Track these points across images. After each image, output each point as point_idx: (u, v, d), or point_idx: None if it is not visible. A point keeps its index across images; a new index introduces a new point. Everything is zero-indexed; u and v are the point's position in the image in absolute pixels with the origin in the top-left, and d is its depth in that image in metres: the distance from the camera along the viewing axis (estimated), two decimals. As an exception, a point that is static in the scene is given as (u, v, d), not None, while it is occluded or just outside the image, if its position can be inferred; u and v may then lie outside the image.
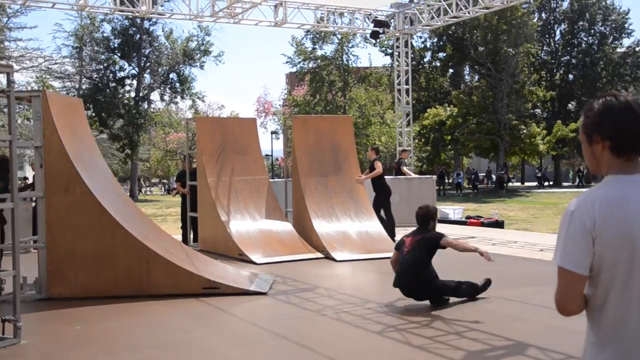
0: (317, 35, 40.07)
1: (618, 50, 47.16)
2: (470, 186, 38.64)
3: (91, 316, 6.75)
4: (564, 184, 45.65)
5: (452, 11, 15.76)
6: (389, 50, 40.20)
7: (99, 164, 8.71)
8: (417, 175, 15.94)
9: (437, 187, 15.21)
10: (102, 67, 42.40)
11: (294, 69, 43.22)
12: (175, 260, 7.46)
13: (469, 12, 15.89)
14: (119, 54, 42.34)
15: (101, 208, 7.46)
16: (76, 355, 5.37)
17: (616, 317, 2.02)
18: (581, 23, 46.65)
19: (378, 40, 26.87)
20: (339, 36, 39.72)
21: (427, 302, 6.83)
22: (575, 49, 46.85)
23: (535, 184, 44.14)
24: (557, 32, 47.73)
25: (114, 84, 42.65)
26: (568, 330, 5.65)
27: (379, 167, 11.76)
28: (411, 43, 19.07)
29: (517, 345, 5.27)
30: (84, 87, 42.18)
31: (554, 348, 5.09)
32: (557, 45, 47.29)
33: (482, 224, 14.60)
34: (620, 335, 2.02)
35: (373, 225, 11.17)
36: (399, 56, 18.10)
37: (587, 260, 2.01)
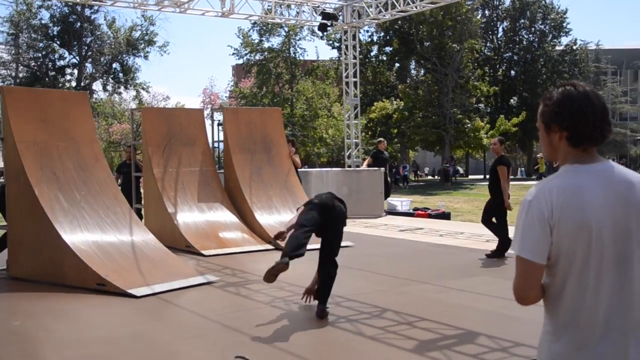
0: (264, 27, 39.76)
1: (557, 48, 48.65)
2: (416, 178, 39.23)
3: (32, 311, 6.51)
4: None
5: (399, 5, 15.86)
6: (336, 44, 40.28)
7: (84, 156, 8.67)
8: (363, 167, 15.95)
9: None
10: (40, 55, 40.98)
11: (241, 61, 42.78)
12: (85, 255, 7.32)
13: (416, 7, 16.04)
14: (58, 42, 41.00)
15: (34, 199, 7.78)
16: (15, 351, 5.15)
17: (572, 305, 2.04)
18: (522, 21, 47.91)
19: (325, 33, 26.90)
20: (286, 29, 39.54)
21: (376, 292, 6.87)
22: (517, 46, 48.08)
23: (480, 177, 45.09)
24: (500, 29, 48.87)
25: (53, 73, 41.30)
26: (515, 318, 5.78)
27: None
28: (358, 37, 19.11)
29: (467, 333, 5.34)
30: (21, 75, 40.69)
31: (502, 336, 5.18)
32: (499, 42, 48.42)
33: (430, 216, 14.81)
34: (576, 322, 2.04)
35: None
36: (346, 49, 18.13)
37: (545, 248, 2.02)
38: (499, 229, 9.01)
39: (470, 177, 49.58)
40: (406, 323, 5.65)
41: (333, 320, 5.77)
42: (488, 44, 47.71)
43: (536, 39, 47.77)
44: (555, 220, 2.00)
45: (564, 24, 48.35)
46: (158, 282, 7.21)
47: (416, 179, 45.37)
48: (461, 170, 51.39)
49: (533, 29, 47.97)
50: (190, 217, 10.54)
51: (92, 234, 7.89)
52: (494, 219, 9.06)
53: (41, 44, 40.64)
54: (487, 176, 9.67)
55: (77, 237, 7.68)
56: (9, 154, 8.19)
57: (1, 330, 5.79)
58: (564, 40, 48.68)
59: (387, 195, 15.52)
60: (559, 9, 48.31)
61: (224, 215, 10.83)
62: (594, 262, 2.01)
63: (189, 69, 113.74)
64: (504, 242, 8.83)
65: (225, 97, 48.05)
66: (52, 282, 7.54)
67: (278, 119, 12.73)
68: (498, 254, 8.90)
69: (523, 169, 47.67)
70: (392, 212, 15.37)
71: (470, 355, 4.75)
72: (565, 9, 48.18)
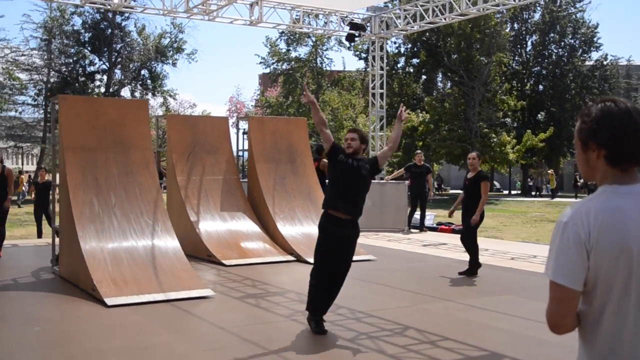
0: (292, 37, 39.94)
1: (587, 63, 48.00)
2: (440, 192, 38.90)
3: (52, 317, 6.50)
4: (532, 193, 46.16)
5: (428, 17, 15.75)
6: (363, 55, 40.24)
7: (133, 162, 8.93)
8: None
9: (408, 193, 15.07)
10: (71, 60, 41.53)
11: (268, 70, 43.01)
12: (92, 260, 7.55)
13: (445, 19, 15.91)
14: (89, 48, 41.54)
15: (68, 203, 8.17)
16: (35, 358, 5.13)
17: (611, 335, 1.92)
18: (552, 35, 47.35)
19: (353, 43, 26.86)
20: (314, 39, 39.65)
21: (398, 309, 6.73)
22: (546, 60, 47.53)
23: (505, 192, 44.54)
24: (529, 43, 48.36)
25: (83, 79, 41.82)
26: (541, 341, 5.60)
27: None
28: (386, 48, 19.02)
29: (492, 355, 5.18)
30: (52, 80, 41.27)
31: (527, 358, 5.02)
32: (528, 56, 47.92)
33: (453, 231, 14.58)
34: (615, 354, 1.92)
35: None
36: (373, 60, 18.05)
37: (582, 274, 1.90)
38: (476, 248, 8.90)
39: (495, 192, 49.06)
40: (428, 342, 5.51)
41: (353, 337, 5.65)
42: (516, 58, 47.23)
43: (566, 54, 47.17)
44: (593, 243, 1.88)
45: (595, 39, 47.68)
46: (151, 292, 7.20)
47: (440, 192, 45.03)
48: (498, 185, 51.06)
49: (563, 43, 47.39)
50: (212, 226, 10.50)
51: (112, 239, 7.99)
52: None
53: (72, 50, 41.21)
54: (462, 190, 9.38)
55: (94, 242, 7.83)
56: (60, 160, 8.83)
57: (21, 336, 5.77)
58: (594, 55, 48.00)
59: (422, 210, 15.06)
60: (589, 23, 47.66)
61: (246, 224, 10.76)
62: (635, 288, 1.89)
63: (215, 77, 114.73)
64: (477, 262, 8.84)
65: (252, 105, 48.31)
66: (76, 285, 7.85)
67: (304, 129, 12.65)
68: (471, 272, 8.82)
69: (548, 185, 47.08)
70: (416, 226, 15.19)
71: (495, 379, 4.61)
72: (596, 23, 47.57)
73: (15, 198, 27.75)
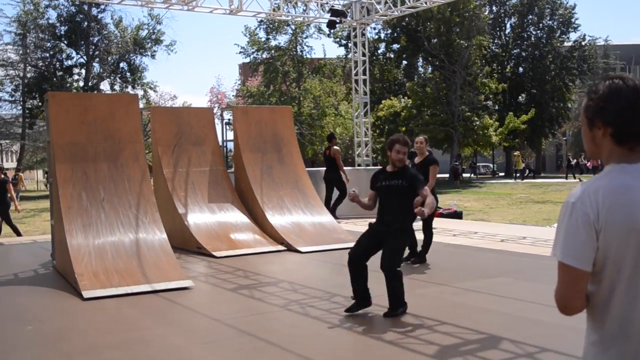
0: (271, 26, 39.64)
1: (565, 44, 48.29)
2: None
3: (44, 315, 6.41)
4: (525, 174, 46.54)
5: (409, 1, 15.69)
6: (343, 42, 40.14)
7: (123, 156, 9.02)
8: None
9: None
10: (48, 55, 40.93)
11: (248, 60, 42.67)
12: (77, 253, 7.67)
13: (425, 3, 15.87)
14: (65, 42, 40.94)
15: (57, 197, 8.33)
16: (27, 356, 5.04)
17: (621, 314, 1.89)
18: (530, 17, 47.57)
19: (333, 30, 26.72)
20: (293, 27, 39.40)
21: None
22: (525, 42, 47.76)
23: (489, 175, 44.84)
24: (508, 26, 48.55)
25: (61, 73, 41.25)
26: (539, 322, 5.62)
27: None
28: (366, 34, 18.92)
29: (490, 338, 5.17)
30: (29, 75, 40.68)
31: (525, 340, 5.01)
32: (507, 38, 48.11)
33: (441, 215, 14.59)
34: (626, 333, 1.89)
35: (324, 216, 11.17)
36: (355, 46, 17.96)
37: (591, 254, 1.87)
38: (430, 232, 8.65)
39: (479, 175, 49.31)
40: (426, 327, 5.49)
41: (350, 325, 5.62)
42: (496, 41, 47.41)
43: (544, 35, 47.42)
44: (602, 223, 1.85)
45: (573, 20, 48.00)
46: (132, 284, 7.27)
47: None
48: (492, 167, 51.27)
49: (541, 25, 47.63)
50: (201, 217, 10.41)
51: (99, 233, 8.09)
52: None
53: (49, 44, 40.61)
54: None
55: (81, 235, 7.94)
56: (49, 156, 9.11)
57: (13, 335, 5.67)
58: (573, 36, 48.35)
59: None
60: (567, 4, 47.99)
61: (235, 215, 10.69)
62: None
63: (195, 68, 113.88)
64: (428, 245, 8.59)
65: (233, 95, 48.02)
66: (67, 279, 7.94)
67: (288, 117, 12.60)
68: (422, 259, 8.56)
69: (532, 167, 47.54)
70: None
71: (494, 361, 4.60)
72: (574, 4, 47.96)
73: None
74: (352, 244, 10.02)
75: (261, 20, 38.29)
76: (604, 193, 1.87)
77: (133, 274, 7.54)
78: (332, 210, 13.98)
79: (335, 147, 13.82)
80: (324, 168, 14.05)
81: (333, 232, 10.74)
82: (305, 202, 11.23)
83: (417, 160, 8.71)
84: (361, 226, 12.96)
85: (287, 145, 11.94)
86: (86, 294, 6.97)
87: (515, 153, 41.72)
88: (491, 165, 53.25)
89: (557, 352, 4.73)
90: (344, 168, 14.00)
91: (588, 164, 42.92)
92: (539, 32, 47.82)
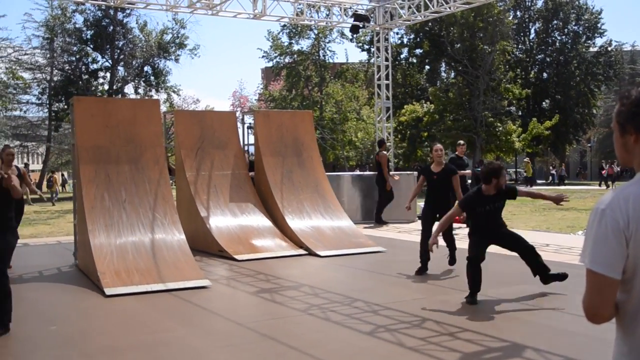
0: (294, 30, 39.72)
1: (591, 49, 47.67)
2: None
3: (68, 315, 6.47)
4: (538, 181, 46.03)
5: (432, 6, 15.62)
6: (366, 46, 40.03)
7: (145, 158, 9.37)
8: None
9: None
10: (74, 58, 41.46)
11: (270, 64, 42.79)
12: (99, 253, 7.95)
13: (449, 7, 15.77)
14: (91, 46, 41.45)
15: (81, 198, 8.62)
16: (49, 357, 5.09)
17: None
18: (555, 22, 47.05)
19: (356, 34, 26.68)
20: (316, 31, 39.45)
21: (414, 301, 6.67)
22: (550, 48, 47.24)
23: (511, 181, 44.40)
24: (532, 31, 48.07)
25: (86, 76, 41.75)
26: (562, 331, 5.55)
27: None
28: (389, 39, 18.86)
29: (513, 346, 5.11)
30: (55, 79, 41.24)
31: (550, 349, 4.94)
32: (532, 44, 47.63)
33: (464, 221, 14.48)
34: None
35: (343, 221, 11.20)
36: (378, 51, 17.93)
37: (620, 262, 1.84)
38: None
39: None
40: (448, 334, 5.44)
41: (371, 330, 5.59)
42: (520, 46, 46.95)
43: (569, 40, 46.86)
44: (632, 231, 1.82)
45: (599, 25, 47.34)
46: (151, 282, 7.55)
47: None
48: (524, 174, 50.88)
49: (566, 30, 47.07)
50: (222, 221, 10.45)
51: (121, 233, 8.39)
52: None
53: (75, 48, 41.13)
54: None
55: (103, 235, 8.25)
56: (74, 158, 9.41)
57: (38, 335, 5.73)
58: (599, 41, 47.68)
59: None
60: (593, 9, 47.32)
61: (257, 219, 10.71)
62: None
63: (218, 72, 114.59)
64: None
65: (255, 99, 48.18)
66: (88, 276, 8.30)
67: (309, 122, 12.62)
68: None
69: (554, 173, 46.84)
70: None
71: (518, 370, 4.54)
72: (600, 9, 47.23)
73: (49, 196, 27.73)
74: (371, 249, 10.18)
75: (284, 25, 38.42)
76: (634, 200, 1.85)
77: (153, 273, 7.79)
78: (378, 214, 14.05)
79: (383, 152, 14.10)
80: (349, 173, 14.41)
81: (352, 236, 10.75)
82: (325, 206, 11.24)
83: (435, 169, 8.60)
84: (383, 231, 12.92)
85: (307, 150, 11.96)
86: (108, 291, 7.22)
87: (525, 160, 41.32)
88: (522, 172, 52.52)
89: (582, 362, 4.66)
90: (391, 173, 14.54)
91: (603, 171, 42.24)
92: (564, 37, 47.28)
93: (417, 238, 12.06)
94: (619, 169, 37.10)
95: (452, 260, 8.76)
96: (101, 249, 8.01)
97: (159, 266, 8.00)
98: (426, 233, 8.29)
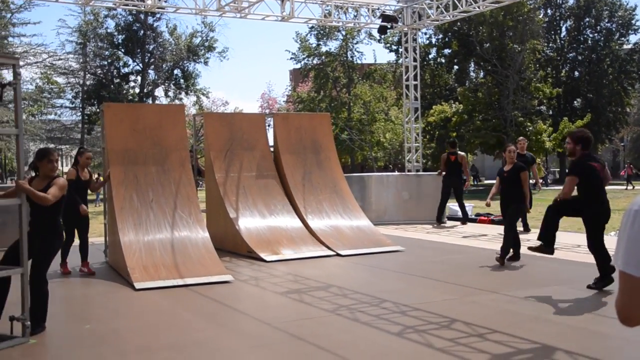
0: (322, 32, 39.78)
1: (624, 46, 46.81)
2: (476, 183, 38.51)
3: (101, 315, 6.59)
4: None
5: (461, 5, 15.52)
6: (394, 47, 39.92)
7: (170, 160, 9.83)
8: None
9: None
10: (106, 63, 42.14)
11: (298, 66, 42.92)
12: (129, 250, 8.43)
13: (478, 7, 15.64)
14: (123, 50, 42.07)
15: (112, 198, 9.16)
16: (87, 355, 5.20)
17: None
18: (587, 19, 46.36)
19: (384, 35, 26.62)
20: (344, 32, 39.44)
21: (444, 302, 6.65)
22: (582, 46, 46.56)
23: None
24: (563, 29, 47.44)
25: (118, 80, 42.39)
26: (594, 333, 5.49)
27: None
28: (417, 39, 18.77)
29: (543, 348, 5.06)
30: (88, 83, 41.95)
31: (581, 352, 4.89)
32: (562, 42, 47.00)
33: (492, 222, 14.38)
34: None
35: (362, 220, 11.30)
36: (406, 51, 17.87)
37: None
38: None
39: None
40: (477, 335, 5.42)
41: (400, 331, 5.59)
42: (551, 44, 46.35)
43: (602, 38, 46.10)
44: None
45: (633, 22, 46.48)
46: (177, 277, 7.99)
47: (475, 183, 44.54)
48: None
49: (599, 27, 46.34)
50: (251, 222, 10.53)
51: (148, 231, 8.86)
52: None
53: (107, 52, 41.78)
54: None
55: (132, 233, 8.70)
56: (105, 161, 9.90)
57: (74, 333, 5.85)
58: (633, 38, 46.94)
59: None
60: (627, 5, 46.50)
61: (285, 220, 10.78)
62: None
63: (247, 74, 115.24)
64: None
65: (283, 101, 48.39)
66: (118, 272, 8.78)
67: (327, 124, 12.78)
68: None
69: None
70: (454, 217, 15.01)
71: (548, 372, 4.50)
72: (635, 5, 46.91)
73: (93, 198, 28.08)
74: (390, 248, 10.24)
75: (312, 27, 38.53)
76: None
77: (178, 269, 8.23)
78: (440, 213, 14.02)
79: (461, 152, 14.64)
80: (377, 174, 14.36)
81: (371, 235, 10.91)
82: (343, 206, 11.38)
83: (506, 168, 9.24)
84: (411, 232, 12.89)
85: (325, 151, 12.10)
86: (137, 285, 7.69)
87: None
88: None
89: (613, 364, 4.60)
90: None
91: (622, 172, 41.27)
92: (596, 34, 46.54)
93: (447, 239, 12.06)
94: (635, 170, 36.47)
95: (517, 257, 9.17)
96: (130, 246, 8.46)
97: (184, 262, 8.42)
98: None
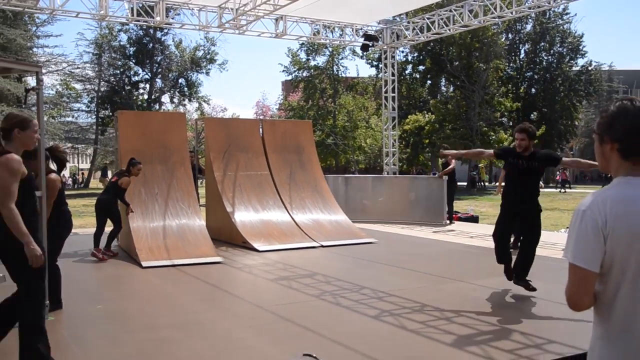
0: (311, 48, 39.71)
1: (574, 68, 47.30)
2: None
3: (111, 297, 6.53)
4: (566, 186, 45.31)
5: (434, 28, 15.58)
6: (374, 63, 39.91)
7: (173, 160, 10.22)
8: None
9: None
10: (118, 72, 41.86)
11: (290, 77, 42.80)
12: (137, 235, 8.87)
13: (449, 30, 15.72)
14: (133, 61, 41.81)
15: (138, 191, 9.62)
16: (98, 332, 5.15)
17: (626, 312, 1.87)
18: (542, 44, 46.71)
19: (366, 52, 26.64)
20: (330, 49, 39.41)
21: (417, 288, 6.66)
22: (537, 66, 46.91)
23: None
24: (522, 51, 47.74)
25: (129, 87, 42.11)
26: (546, 317, 5.52)
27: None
28: (395, 56, 18.80)
29: (502, 330, 5.09)
30: (102, 89, 41.63)
31: (535, 333, 4.92)
32: (521, 63, 47.32)
33: (460, 219, 14.42)
34: (629, 329, 1.87)
35: (339, 215, 11.39)
36: (385, 67, 17.90)
37: (599, 257, 1.86)
38: None
39: (494, 183, 48.52)
40: (445, 318, 5.43)
41: (377, 314, 5.59)
42: (511, 64, 46.61)
43: (555, 60, 46.51)
44: (609, 230, 1.84)
45: (580, 47, 46.96)
46: (177, 257, 8.45)
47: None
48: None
49: (552, 51, 46.72)
50: (246, 216, 10.49)
51: (153, 219, 9.34)
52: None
53: (119, 62, 41.50)
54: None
55: (140, 221, 9.17)
56: (117, 160, 10.45)
57: (87, 313, 5.80)
58: (580, 61, 47.28)
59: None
60: (575, 33, 46.97)
61: (276, 215, 10.75)
62: None
63: (243, 84, 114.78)
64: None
65: (276, 109, 48.24)
66: (128, 253, 9.29)
67: (309, 130, 12.88)
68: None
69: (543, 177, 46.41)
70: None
71: (506, 351, 4.51)
72: (582, 33, 46.87)
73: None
74: (365, 240, 10.25)
75: (302, 43, 38.48)
76: (611, 202, 1.86)
77: (178, 250, 8.71)
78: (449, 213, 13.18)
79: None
80: (356, 175, 14.12)
81: (348, 229, 10.95)
82: (323, 202, 11.44)
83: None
84: (415, 230, 12.87)
85: (307, 154, 12.15)
86: (144, 263, 8.17)
87: (480, 165, 41.27)
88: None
89: (562, 344, 4.63)
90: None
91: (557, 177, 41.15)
92: (550, 57, 46.92)
93: (418, 233, 12.08)
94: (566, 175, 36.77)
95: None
96: (138, 232, 8.94)
97: (183, 245, 8.89)
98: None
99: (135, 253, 8.52)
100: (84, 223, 15.10)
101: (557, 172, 38.25)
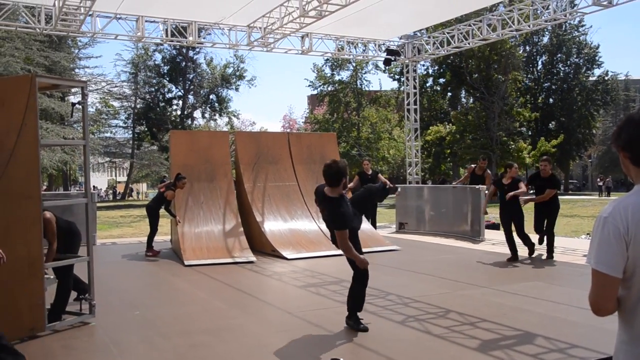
0: (335, 63, 39.80)
1: (590, 78, 46.54)
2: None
3: (148, 304, 6.58)
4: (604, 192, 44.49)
5: (453, 42, 15.48)
6: (396, 76, 39.82)
7: (217, 173, 11.01)
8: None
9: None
10: (153, 89, 42.58)
11: (315, 92, 42.94)
12: (183, 237, 9.79)
13: (468, 43, 15.60)
14: (167, 79, 42.50)
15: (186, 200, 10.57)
16: (136, 336, 5.19)
17: None
18: (559, 55, 46.12)
19: (389, 67, 26.59)
20: (354, 64, 39.45)
21: (441, 295, 6.57)
22: (555, 77, 46.30)
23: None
24: (539, 63, 47.20)
25: (163, 104, 42.78)
26: (569, 322, 5.39)
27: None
28: (417, 70, 18.70)
29: (526, 334, 4.98)
30: (138, 106, 42.35)
31: (558, 337, 4.81)
32: (539, 74, 46.76)
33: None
34: None
35: (364, 224, 11.05)
36: (407, 80, 17.83)
37: (621, 263, 1.81)
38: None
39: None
40: (469, 323, 5.34)
41: (403, 320, 5.53)
42: (529, 75, 46.10)
43: (571, 71, 45.86)
44: (631, 236, 1.79)
45: (597, 58, 46.24)
46: (215, 258, 9.24)
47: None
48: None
49: (569, 62, 46.09)
50: (275, 225, 10.51)
51: (198, 224, 10.13)
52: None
53: (154, 80, 42.22)
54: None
55: (187, 226, 10.03)
56: (170, 172, 11.30)
57: (125, 318, 5.85)
58: (597, 71, 46.58)
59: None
60: (591, 44, 46.32)
61: (304, 224, 10.75)
62: None
63: (271, 99, 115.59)
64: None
65: (302, 122, 48.40)
66: (175, 253, 10.20)
67: (333, 142, 12.85)
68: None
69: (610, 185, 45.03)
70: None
71: (530, 355, 4.41)
72: (598, 44, 46.37)
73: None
74: (388, 247, 10.20)
75: (327, 59, 38.59)
76: (633, 209, 1.82)
77: (218, 251, 9.52)
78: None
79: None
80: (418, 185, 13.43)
81: (372, 236, 10.89)
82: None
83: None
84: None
85: None
86: (187, 262, 8.99)
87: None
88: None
89: (585, 349, 4.52)
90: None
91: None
92: (567, 68, 46.28)
93: (441, 240, 11.94)
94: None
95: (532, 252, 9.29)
96: (185, 235, 9.76)
97: (223, 246, 9.69)
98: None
99: (181, 254, 9.41)
100: (121, 233, 15.31)
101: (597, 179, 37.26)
